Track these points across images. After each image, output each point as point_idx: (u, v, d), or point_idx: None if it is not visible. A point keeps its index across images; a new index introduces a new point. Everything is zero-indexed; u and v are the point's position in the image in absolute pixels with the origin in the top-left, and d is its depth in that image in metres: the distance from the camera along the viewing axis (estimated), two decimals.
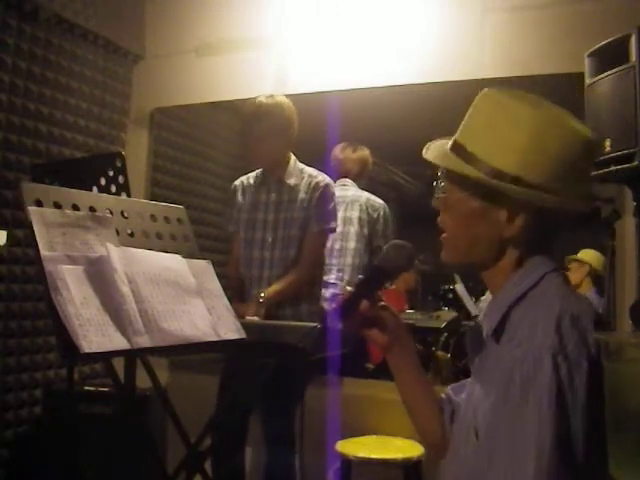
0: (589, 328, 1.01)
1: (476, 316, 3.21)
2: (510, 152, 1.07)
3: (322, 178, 2.68)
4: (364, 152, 3.39)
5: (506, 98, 1.11)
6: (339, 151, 3.37)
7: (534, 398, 0.97)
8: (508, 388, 1.00)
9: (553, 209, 1.07)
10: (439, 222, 1.17)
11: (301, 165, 2.73)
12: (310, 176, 2.68)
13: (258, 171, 2.78)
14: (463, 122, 1.16)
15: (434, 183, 1.17)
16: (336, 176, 3.28)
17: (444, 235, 1.17)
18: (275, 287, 2.58)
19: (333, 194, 2.70)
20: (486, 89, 1.15)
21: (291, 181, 2.67)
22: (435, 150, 1.17)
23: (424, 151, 1.18)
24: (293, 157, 2.72)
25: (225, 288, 1.74)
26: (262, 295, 2.52)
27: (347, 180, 3.32)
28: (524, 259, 1.11)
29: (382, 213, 3.25)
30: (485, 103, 1.14)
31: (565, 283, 1.12)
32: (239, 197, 2.76)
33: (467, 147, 1.11)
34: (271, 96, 2.67)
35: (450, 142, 1.15)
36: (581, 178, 1.11)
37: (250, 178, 2.79)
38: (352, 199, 3.27)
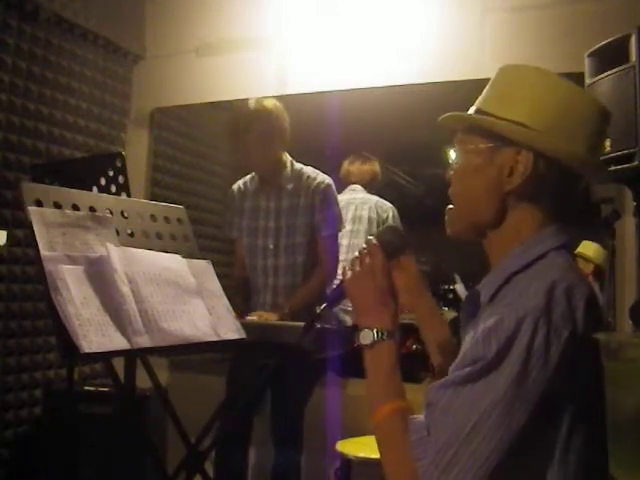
0: (580, 305, 1.00)
1: None
2: (518, 103, 1.11)
3: (321, 179, 2.64)
4: (373, 165, 3.40)
5: (522, 66, 1.16)
6: (348, 163, 3.39)
7: (508, 359, 0.96)
8: (484, 343, 0.98)
9: (552, 162, 1.08)
10: (449, 194, 1.19)
11: (299, 165, 2.68)
12: (309, 178, 2.63)
13: (255, 174, 2.74)
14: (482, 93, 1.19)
15: (451, 155, 1.19)
16: (345, 185, 3.33)
17: (450, 207, 1.18)
18: (298, 295, 2.57)
19: (335, 194, 2.67)
20: (504, 65, 1.18)
21: (289, 186, 2.63)
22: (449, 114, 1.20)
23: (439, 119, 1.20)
24: (289, 159, 2.68)
25: (225, 288, 1.74)
26: (286, 308, 2.49)
27: (356, 186, 3.36)
28: (527, 227, 1.11)
29: (391, 214, 3.28)
30: (503, 73, 1.18)
31: (570, 261, 1.11)
32: (238, 202, 2.74)
33: (481, 107, 1.15)
34: (259, 101, 2.61)
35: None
36: (587, 141, 1.11)
37: (247, 182, 2.76)
38: (362, 200, 3.31)
